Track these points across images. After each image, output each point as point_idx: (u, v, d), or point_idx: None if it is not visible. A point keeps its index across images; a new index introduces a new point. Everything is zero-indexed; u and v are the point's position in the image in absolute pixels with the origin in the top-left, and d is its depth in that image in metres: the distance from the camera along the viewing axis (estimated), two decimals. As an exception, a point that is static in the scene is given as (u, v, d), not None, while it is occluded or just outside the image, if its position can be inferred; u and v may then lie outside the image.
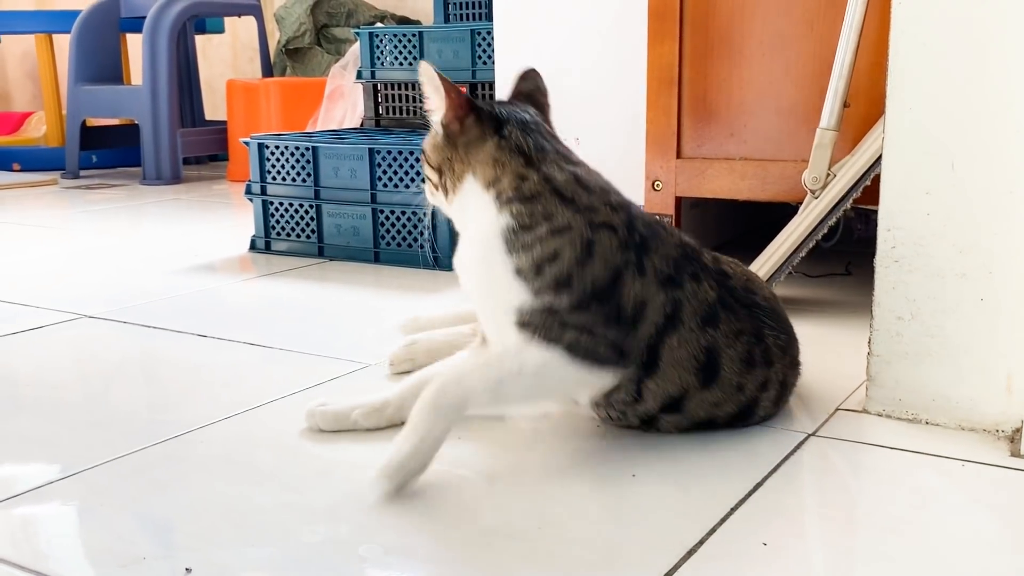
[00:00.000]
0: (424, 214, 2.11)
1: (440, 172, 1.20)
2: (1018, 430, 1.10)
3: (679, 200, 1.94)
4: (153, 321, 1.71)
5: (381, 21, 4.04)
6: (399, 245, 2.16)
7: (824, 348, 1.46)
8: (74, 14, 4.02)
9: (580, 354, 1.08)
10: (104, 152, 4.21)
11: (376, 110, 2.65)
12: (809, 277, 1.98)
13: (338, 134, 2.50)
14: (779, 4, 1.79)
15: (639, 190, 2.02)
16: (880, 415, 1.20)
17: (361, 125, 2.69)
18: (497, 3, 2.17)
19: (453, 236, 2.12)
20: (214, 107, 4.62)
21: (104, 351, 1.58)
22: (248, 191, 2.32)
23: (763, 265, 1.71)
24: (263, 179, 2.30)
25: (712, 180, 1.89)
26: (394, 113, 2.63)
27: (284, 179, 2.27)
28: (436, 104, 1.17)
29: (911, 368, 1.18)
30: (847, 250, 2.11)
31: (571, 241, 1.10)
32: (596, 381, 1.11)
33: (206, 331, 1.64)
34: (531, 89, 1.27)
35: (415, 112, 2.59)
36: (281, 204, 2.28)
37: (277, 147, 2.27)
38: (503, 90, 2.17)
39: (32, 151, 4.32)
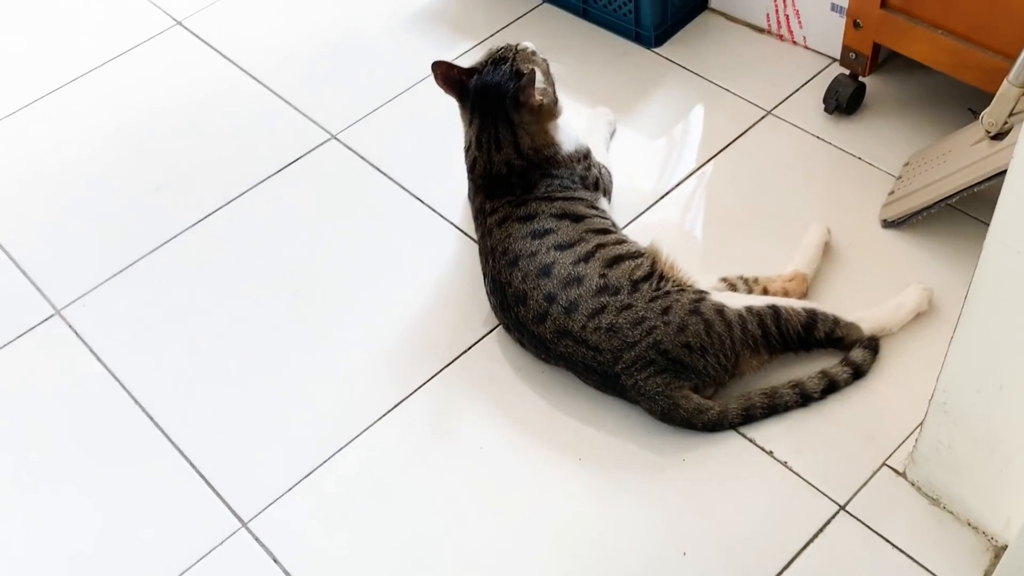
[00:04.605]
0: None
1: None
2: (997, 556, 1.39)
3: (876, 45, 1.87)
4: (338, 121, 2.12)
5: None
6: (606, 6, 2.21)
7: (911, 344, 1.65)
8: None
9: None
10: None
11: None
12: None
13: None
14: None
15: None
16: (913, 485, 1.48)
17: None
18: None
19: (654, 14, 2.14)
20: None
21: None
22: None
23: (920, 189, 1.74)
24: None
25: (911, 42, 1.82)
26: None
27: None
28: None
29: (943, 471, 1.43)
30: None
31: None
32: None
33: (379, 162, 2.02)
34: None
35: None
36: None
37: None
38: None
39: None
